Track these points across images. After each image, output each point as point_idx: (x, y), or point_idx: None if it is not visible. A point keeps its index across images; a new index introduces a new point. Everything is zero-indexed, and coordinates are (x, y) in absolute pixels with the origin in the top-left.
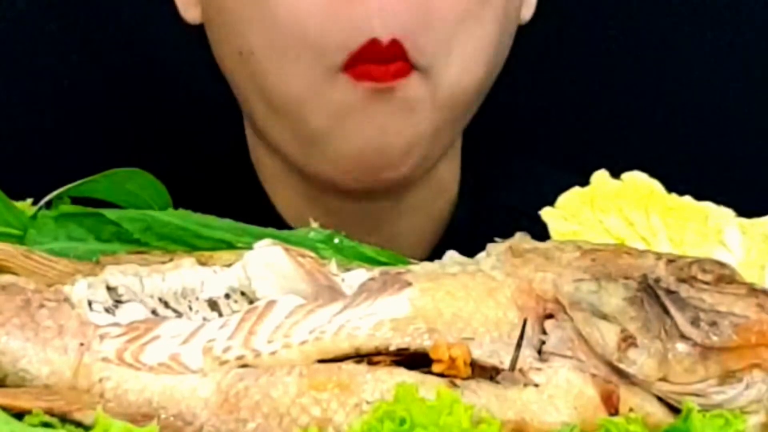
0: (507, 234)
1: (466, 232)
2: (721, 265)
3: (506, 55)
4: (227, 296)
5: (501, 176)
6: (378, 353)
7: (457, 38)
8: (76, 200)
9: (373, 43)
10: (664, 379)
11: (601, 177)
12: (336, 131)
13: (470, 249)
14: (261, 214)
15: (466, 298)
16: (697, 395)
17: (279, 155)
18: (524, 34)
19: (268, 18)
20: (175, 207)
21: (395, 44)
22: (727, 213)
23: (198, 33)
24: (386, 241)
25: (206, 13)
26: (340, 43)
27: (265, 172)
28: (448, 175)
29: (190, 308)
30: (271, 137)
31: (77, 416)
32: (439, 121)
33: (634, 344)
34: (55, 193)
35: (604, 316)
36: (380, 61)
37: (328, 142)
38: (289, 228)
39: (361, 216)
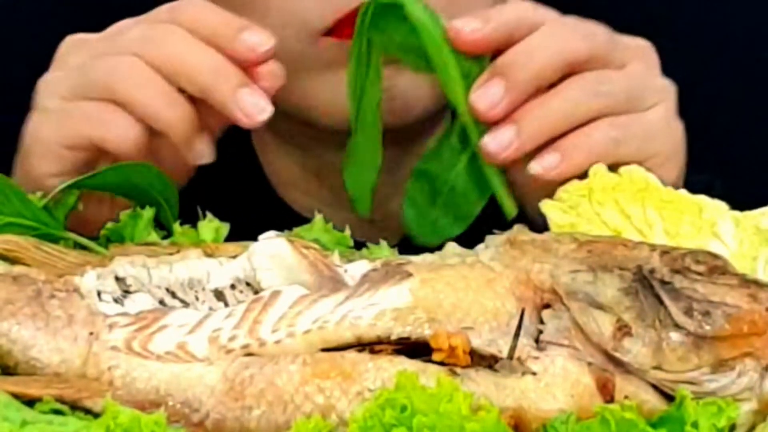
0: None
1: None
2: (715, 256)
3: None
4: (233, 287)
5: None
6: (379, 342)
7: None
8: (83, 193)
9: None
10: (658, 368)
11: (598, 170)
12: (329, 82)
13: None
14: (259, 192)
15: (465, 288)
16: (690, 383)
17: (277, 124)
18: None
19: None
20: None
21: None
22: (721, 206)
23: None
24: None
25: None
26: (324, 12)
27: (263, 145)
28: None
29: (197, 298)
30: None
31: (87, 404)
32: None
33: (629, 333)
34: (63, 186)
35: (600, 306)
36: None
37: (324, 90)
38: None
39: None
